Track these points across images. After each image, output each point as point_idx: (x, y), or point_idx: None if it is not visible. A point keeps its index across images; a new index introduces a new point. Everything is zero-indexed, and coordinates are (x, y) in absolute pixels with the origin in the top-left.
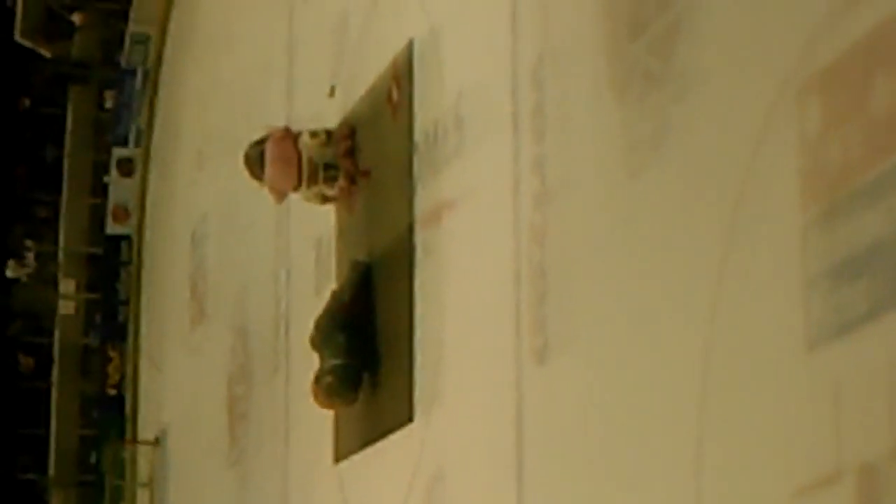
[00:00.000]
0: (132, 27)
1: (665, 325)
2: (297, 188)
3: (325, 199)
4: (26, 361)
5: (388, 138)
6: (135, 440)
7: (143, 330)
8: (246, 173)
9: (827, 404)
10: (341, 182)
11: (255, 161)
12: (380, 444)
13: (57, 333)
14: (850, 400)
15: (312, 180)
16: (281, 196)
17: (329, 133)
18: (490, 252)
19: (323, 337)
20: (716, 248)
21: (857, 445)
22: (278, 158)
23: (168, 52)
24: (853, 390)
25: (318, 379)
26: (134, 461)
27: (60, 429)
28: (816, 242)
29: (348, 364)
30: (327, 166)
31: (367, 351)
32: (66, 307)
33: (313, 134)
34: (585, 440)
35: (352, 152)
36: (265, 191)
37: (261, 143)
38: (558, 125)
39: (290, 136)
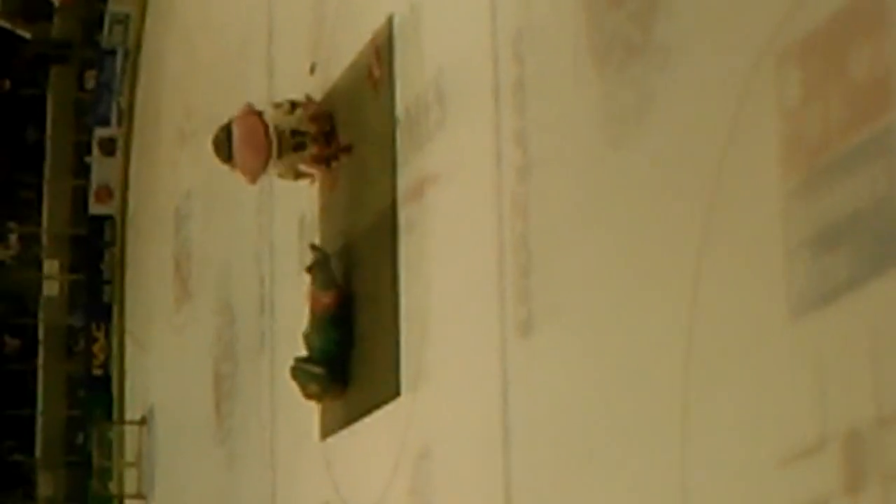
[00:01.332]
0: (112, 7)
1: (648, 295)
2: (267, 162)
3: (298, 174)
4: (11, 343)
5: (369, 114)
6: (122, 420)
7: (128, 310)
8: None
9: (810, 373)
10: (312, 149)
11: (223, 144)
12: (366, 420)
13: (41, 314)
14: (834, 368)
15: (282, 150)
16: (254, 175)
17: (293, 102)
18: (473, 225)
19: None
20: (698, 219)
21: (841, 413)
22: (245, 134)
23: (148, 31)
24: (836, 358)
25: (302, 386)
26: (121, 441)
27: (47, 410)
28: (798, 211)
29: (330, 371)
30: (294, 133)
31: (352, 333)
32: (50, 288)
33: (276, 105)
34: (571, 411)
35: (319, 118)
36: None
37: (227, 126)
38: (539, 98)
39: (254, 113)
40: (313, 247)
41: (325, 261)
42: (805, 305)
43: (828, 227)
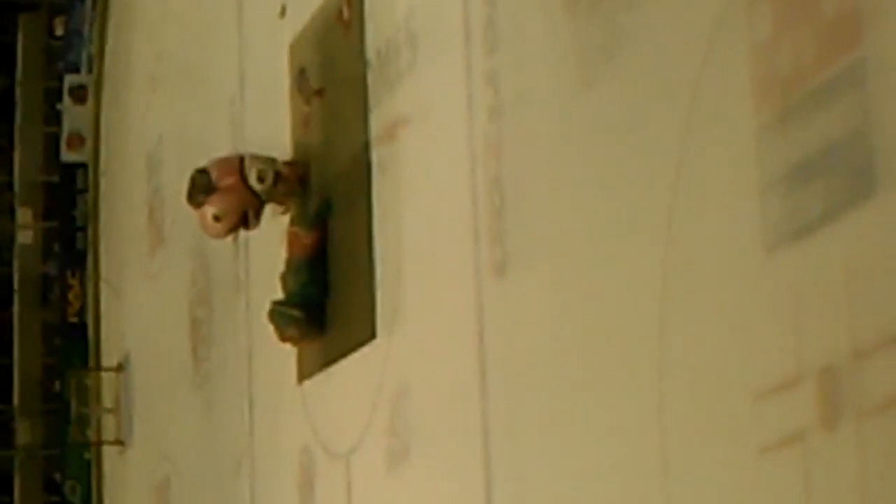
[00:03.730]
0: None
1: (623, 234)
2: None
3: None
4: None
5: (340, 57)
6: (98, 367)
7: (103, 257)
8: (200, 96)
9: (786, 308)
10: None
11: (201, 190)
12: (343, 363)
13: (16, 263)
14: (809, 302)
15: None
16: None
17: (276, 174)
18: (446, 167)
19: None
20: (671, 156)
21: (816, 348)
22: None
23: None
24: (812, 293)
25: (280, 329)
26: (98, 388)
27: (23, 358)
28: (771, 146)
29: (308, 314)
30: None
31: (326, 276)
32: (24, 236)
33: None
34: (547, 350)
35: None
36: (219, 120)
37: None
38: (510, 38)
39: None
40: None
41: (309, 200)
42: (779, 240)
43: (801, 161)
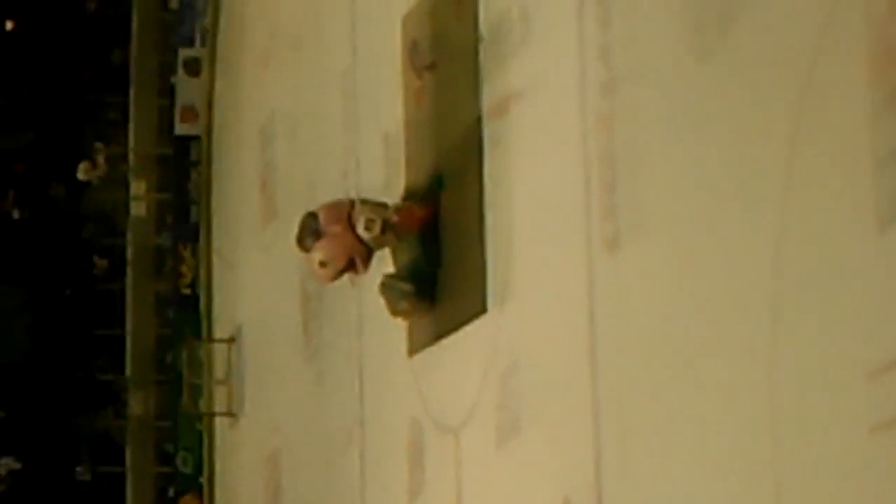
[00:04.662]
0: None
1: (736, 209)
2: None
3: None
4: (100, 263)
5: (452, 32)
6: (210, 338)
7: (215, 229)
8: (313, 70)
9: None
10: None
11: (308, 234)
12: (454, 337)
13: (129, 235)
14: None
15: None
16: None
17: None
18: (558, 141)
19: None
20: (785, 131)
21: None
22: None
23: None
24: None
25: (391, 302)
26: (210, 359)
27: (136, 329)
28: (887, 122)
29: (419, 288)
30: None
31: (439, 250)
32: (137, 208)
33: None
34: (659, 325)
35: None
36: (331, 93)
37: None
38: (623, 12)
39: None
40: None
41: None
42: (893, 217)
43: None
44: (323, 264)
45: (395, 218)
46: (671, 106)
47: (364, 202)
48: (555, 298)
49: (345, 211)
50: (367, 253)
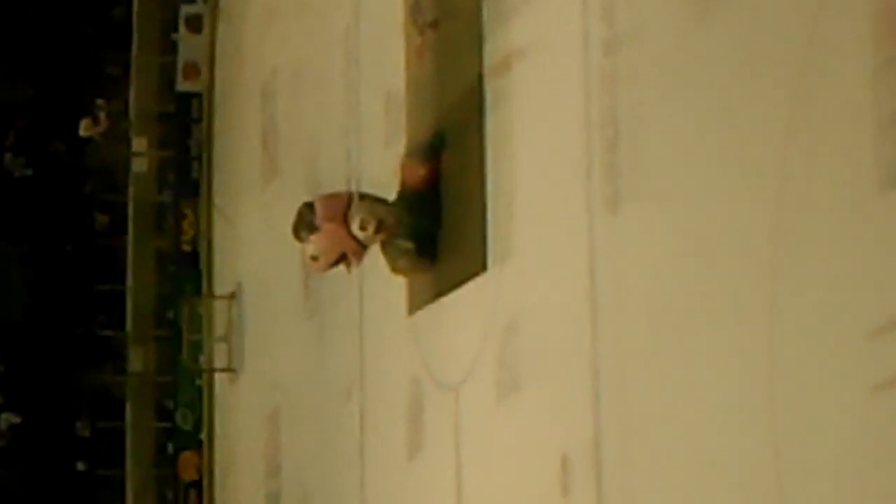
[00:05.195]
0: None
1: (736, 170)
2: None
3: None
4: (101, 219)
5: None
6: (211, 295)
7: (216, 186)
8: (315, 28)
9: None
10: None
11: (304, 227)
12: (453, 295)
13: (131, 191)
14: None
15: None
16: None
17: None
18: (560, 99)
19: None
20: (786, 93)
21: None
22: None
23: None
24: None
25: (392, 260)
26: (210, 315)
27: (137, 285)
28: (889, 85)
29: (419, 246)
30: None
31: (440, 209)
32: (138, 165)
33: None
34: (659, 286)
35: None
36: (333, 51)
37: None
38: None
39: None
40: None
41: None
42: (894, 178)
43: None
44: (314, 258)
45: (389, 219)
46: (674, 65)
47: (363, 198)
48: (555, 257)
49: (342, 206)
50: (361, 249)
